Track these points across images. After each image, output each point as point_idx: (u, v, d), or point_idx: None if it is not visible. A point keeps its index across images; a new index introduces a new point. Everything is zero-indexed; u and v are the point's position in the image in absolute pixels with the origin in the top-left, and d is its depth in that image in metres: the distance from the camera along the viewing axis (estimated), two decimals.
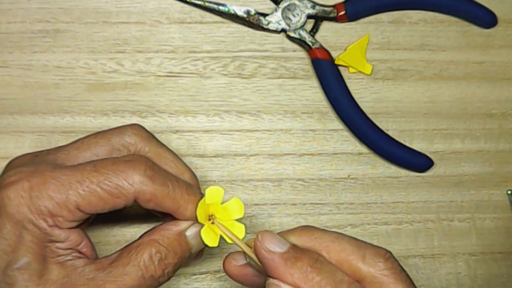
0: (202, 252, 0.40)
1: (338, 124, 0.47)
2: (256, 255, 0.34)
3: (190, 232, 0.37)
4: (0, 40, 0.45)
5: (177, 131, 0.46)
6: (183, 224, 0.37)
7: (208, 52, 0.47)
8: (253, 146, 0.47)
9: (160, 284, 0.37)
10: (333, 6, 0.47)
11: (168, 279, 0.37)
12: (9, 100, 0.46)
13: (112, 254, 0.37)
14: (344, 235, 0.35)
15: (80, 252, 0.37)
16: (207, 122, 0.46)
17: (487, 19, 0.48)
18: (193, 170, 0.45)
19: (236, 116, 0.47)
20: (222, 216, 0.37)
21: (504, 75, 0.48)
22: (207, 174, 0.46)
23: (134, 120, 0.46)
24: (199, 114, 0.46)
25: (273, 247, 0.34)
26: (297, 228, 0.36)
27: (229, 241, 0.37)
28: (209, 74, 0.47)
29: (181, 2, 0.47)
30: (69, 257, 0.36)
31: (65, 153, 0.39)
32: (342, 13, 0.47)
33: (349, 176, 0.47)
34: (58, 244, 0.36)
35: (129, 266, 0.36)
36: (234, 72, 0.47)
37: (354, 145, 0.47)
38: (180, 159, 0.40)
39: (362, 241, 0.35)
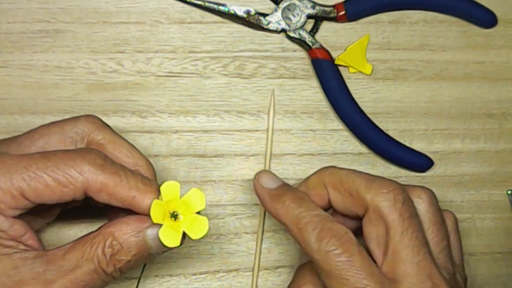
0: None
1: (338, 124, 0.47)
2: (254, 190, 0.40)
3: (151, 232, 0.35)
4: (0, 40, 0.45)
5: (177, 131, 0.46)
6: (145, 222, 0.35)
7: (208, 52, 0.47)
8: (253, 146, 0.47)
9: (115, 279, 0.35)
10: (333, 6, 0.47)
11: (122, 274, 0.35)
12: (9, 100, 0.46)
13: (66, 245, 0.35)
14: (359, 172, 0.38)
15: (25, 245, 0.35)
16: (207, 122, 0.46)
17: (487, 19, 0.48)
18: (193, 170, 0.46)
19: (236, 116, 0.47)
20: (183, 211, 0.35)
21: (504, 75, 0.48)
22: (207, 174, 0.46)
23: (134, 120, 0.46)
24: (199, 114, 0.46)
25: (266, 184, 0.39)
26: (320, 169, 0.39)
27: (193, 237, 0.35)
28: (209, 74, 0.47)
29: (181, 2, 0.47)
30: (15, 250, 0.35)
31: (17, 144, 0.37)
32: (342, 13, 0.47)
33: None
34: (0, 234, 0.34)
35: (82, 260, 0.34)
36: (234, 72, 0.47)
37: (354, 145, 0.47)
38: (136, 148, 0.39)
39: (375, 176, 0.38)
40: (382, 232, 0.36)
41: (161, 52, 0.46)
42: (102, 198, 0.35)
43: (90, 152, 0.35)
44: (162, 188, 0.35)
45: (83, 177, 0.34)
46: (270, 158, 0.47)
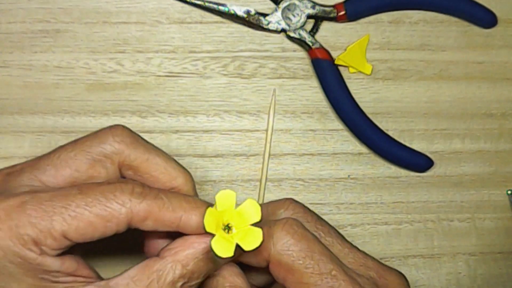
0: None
1: (338, 124, 0.47)
2: None
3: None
4: (0, 40, 0.45)
5: (177, 131, 0.46)
6: (207, 239, 0.33)
7: (208, 52, 0.47)
8: (253, 146, 0.47)
9: None
10: (333, 6, 0.47)
11: None
12: (9, 100, 0.46)
13: (125, 273, 0.33)
14: None
15: (83, 277, 0.34)
16: (207, 122, 0.46)
17: (487, 19, 0.48)
18: (193, 170, 0.46)
19: (236, 116, 0.47)
20: (238, 223, 0.34)
21: (504, 75, 0.48)
22: (207, 174, 0.46)
23: (134, 120, 0.46)
24: (199, 114, 0.46)
25: None
26: None
27: (246, 249, 0.33)
28: (209, 74, 0.47)
29: (181, 2, 0.47)
30: (76, 284, 0.33)
31: (41, 172, 0.35)
32: (342, 13, 0.47)
33: (349, 176, 0.47)
34: (54, 274, 0.33)
35: None
36: (234, 72, 0.47)
37: (354, 145, 0.47)
38: (172, 161, 0.37)
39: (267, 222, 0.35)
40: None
41: (161, 52, 0.46)
42: (148, 226, 0.33)
43: (126, 182, 0.33)
44: (217, 197, 0.34)
45: (126, 208, 0.32)
46: (269, 158, 0.47)
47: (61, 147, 0.36)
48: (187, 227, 0.34)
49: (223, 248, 0.32)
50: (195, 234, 0.34)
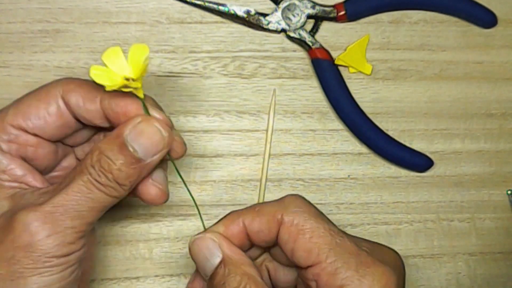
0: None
1: (338, 124, 0.47)
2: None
3: (128, 131, 0.35)
4: (0, 40, 0.45)
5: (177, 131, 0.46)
6: (124, 127, 0.35)
7: (208, 52, 0.47)
8: (253, 146, 0.47)
9: (118, 194, 0.35)
10: (333, 6, 0.47)
11: (124, 188, 0.35)
12: (9, 100, 0.45)
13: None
14: (263, 204, 0.38)
15: (29, 185, 0.36)
16: (207, 122, 0.46)
17: (487, 19, 0.48)
18: (193, 170, 0.46)
19: (236, 116, 0.47)
20: (135, 70, 0.34)
21: (504, 75, 0.48)
22: (207, 174, 0.46)
23: None
24: (199, 114, 0.46)
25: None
26: (224, 218, 0.38)
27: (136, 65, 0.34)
28: (209, 74, 0.47)
29: (181, 2, 0.47)
30: (18, 189, 0.36)
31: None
32: (342, 13, 0.47)
33: (349, 176, 0.47)
34: (1, 176, 0.35)
35: (74, 175, 0.34)
36: (234, 72, 0.47)
37: (354, 145, 0.47)
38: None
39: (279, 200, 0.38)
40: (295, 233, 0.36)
41: (161, 52, 0.46)
42: (76, 101, 0.36)
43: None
44: (103, 58, 0.35)
45: (58, 86, 0.37)
46: (269, 158, 0.47)
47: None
48: (109, 109, 0.36)
49: (102, 78, 0.34)
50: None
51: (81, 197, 0.34)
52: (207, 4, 0.46)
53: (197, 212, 0.39)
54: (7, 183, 0.36)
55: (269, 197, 0.46)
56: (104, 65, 0.35)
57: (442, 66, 0.48)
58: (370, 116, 0.47)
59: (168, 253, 0.45)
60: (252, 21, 0.47)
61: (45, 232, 0.33)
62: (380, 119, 0.47)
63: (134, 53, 0.34)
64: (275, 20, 0.47)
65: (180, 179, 0.39)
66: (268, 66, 0.47)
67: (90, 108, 0.36)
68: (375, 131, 0.46)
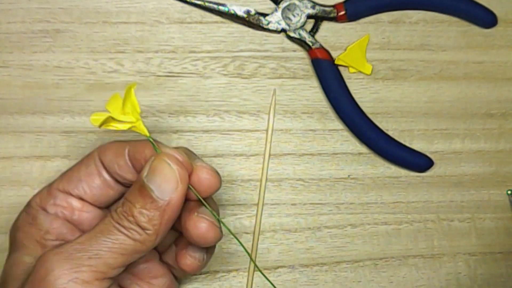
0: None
1: (338, 124, 0.47)
2: None
3: (145, 173, 0.35)
4: (0, 40, 0.45)
5: (177, 131, 0.46)
6: (143, 169, 0.35)
7: (208, 52, 0.47)
8: (253, 146, 0.47)
9: (144, 241, 0.34)
10: (333, 6, 0.47)
11: (149, 233, 0.34)
12: (9, 100, 0.46)
13: None
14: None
15: None
16: (207, 122, 0.46)
17: (487, 19, 0.48)
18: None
19: (236, 116, 0.47)
20: (129, 109, 0.35)
21: (504, 75, 0.48)
22: None
23: None
24: (199, 114, 0.46)
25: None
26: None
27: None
28: (209, 74, 0.47)
29: (181, 2, 0.47)
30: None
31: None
32: (342, 13, 0.47)
33: (349, 176, 0.47)
34: (46, 236, 0.37)
35: (99, 223, 0.35)
36: (234, 72, 0.47)
37: (354, 145, 0.47)
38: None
39: None
40: None
41: (161, 52, 0.46)
42: (108, 158, 0.37)
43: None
44: (107, 106, 0.35)
45: (96, 149, 0.38)
46: (269, 158, 0.47)
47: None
48: (137, 153, 0.37)
49: (97, 118, 0.34)
50: None
51: (101, 238, 0.34)
52: (207, 4, 0.46)
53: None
54: (50, 242, 0.37)
55: (269, 197, 0.46)
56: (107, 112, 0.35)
57: (442, 66, 0.48)
58: (370, 116, 0.47)
59: None
60: (252, 21, 0.47)
61: (60, 268, 0.33)
62: (380, 119, 0.47)
63: (126, 92, 0.35)
64: (275, 20, 0.47)
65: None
66: (268, 66, 0.47)
67: (121, 162, 0.37)
68: (375, 131, 0.46)
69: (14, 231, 0.38)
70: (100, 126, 0.34)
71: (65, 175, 0.38)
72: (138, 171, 0.37)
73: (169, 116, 0.46)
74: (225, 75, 0.47)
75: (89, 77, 0.46)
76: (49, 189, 0.38)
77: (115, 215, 0.34)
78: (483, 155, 0.48)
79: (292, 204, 0.46)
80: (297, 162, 0.47)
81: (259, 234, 0.46)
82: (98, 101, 0.46)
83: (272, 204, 0.46)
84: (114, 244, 0.34)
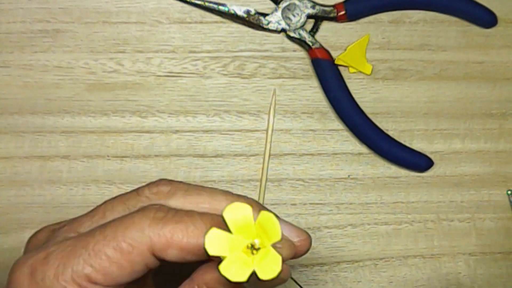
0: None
1: (338, 124, 0.47)
2: None
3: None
4: (0, 40, 0.45)
5: (177, 131, 0.46)
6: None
7: (208, 52, 0.47)
8: (253, 146, 0.47)
9: None
10: (333, 6, 0.47)
11: None
12: (9, 100, 0.46)
13: None
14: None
15: None
16: (207, 122, 0.46)
17: (487, 19, 0.48)
18: (193, 170, 0.46)
19: (236, 116, 0.47)
20: (262, 241, 0.28)
21: (504, 75, 0.48)
22: (207, 174, 0.46)
23: (134, 120, 0.46)
24: (199, 114, 0.46)
25: None
26: None
27: (262, 277, 0.27)
28: (209, 74, 0.47)
29: (181, 2, 0.47)
30: None
31: (79, 224, 0.31)
32: (342, 13, 0.47)
33: (349, 176, 0.47)
34: None
35: None
36: (234, 72, 0.47)
37: (354, 145, 0.47)
38: (220, 191, 0.31)
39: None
40: None
41: (161, 52, 0.46)
42: (173, 255, 0.29)
43: (149, 207, 0.29)
44: (225, 213, 0.28)
45: (144, 235, 0.28)
46: (269, 158, 0.47)
47: (102, 203, 0.33)
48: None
49: (234, 272, 0.27)
50: None
51: None
52: (207, 4, 0.46)
53: None
54: None
55: (269, 197, 0.46)
56: (224, 221, 0.28)
57: (442, 66, 0.48)
58: (370, 116, 0.47)
59: None
60: (252, 21, 0.47)
61: None
62: (380, 119, 0.47)
63: (265, 223, 0.28)
64: (275, 20, 0.47)
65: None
66: (268, 66, 0.47)
67: (191, 258, 0.29)
68: (375, 131, 0.46)
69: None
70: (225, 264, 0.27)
71: (95, 260, 0.29)
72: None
73: (169, 116, 0.46)
74: (225, 75, 0.47)
75: (89, 77, 0.46)
76: (75, 277, 0.29)
77: None
78: (483, 155, 0.48)
79: (292, 204, 0.46)
80: (297, 162, 0.47)
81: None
82: (98, 101, 0.46)
83: (272, 204, 0.46)
84: None
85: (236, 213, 0.28)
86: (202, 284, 0.29)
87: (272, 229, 0.28)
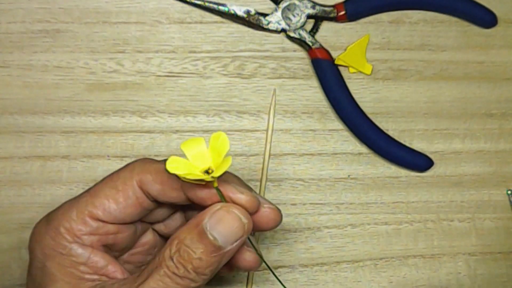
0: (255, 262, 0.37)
1: (338, 124, 0.47)
2: None
3: (206, 219, 0.34)
4: (0, 40, 0.45)
5: (177, 131, 0.46)
6: (204, 215, 0.34)
7: (208, 52, 0.47)
8: (253, 146, 0.47)
9: (197, 282, 0.34)
10: (333, 6, 0.47)
11: (203, 276, 0.34)
12: (9, 100, 0.46)
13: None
14: None
15: (110, 277, 0.36)
16: (207, 122, 0.46)
17: (487, 19, 0.48)
18: None
19: (236, 116, 0.47)
20: (216, 161, 0.34)
21: (504, 75, 0.48)
22: None
23: (134, 120, 0.46)
24: (199, 114, 0.46)
25: None
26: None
27: (216, 174, 0.33)
28: (209, 74, 0.47)
29: (181, 2, 0.47)
30: (98, 281, 0.35)
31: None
32: (342, 13, 0.47)
33: (349, 176, 0.47)
34: (82, 268, 0.35)
35: (152, 269, 0.34)
36: (234, 72, 0.47)
37: (354, 145, 0.47)
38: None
39: None
40: None
41: (161, 52, 0.46)
42: (157, 190, 0.35)
43: (141, 159, 0.37)
44: (182, 146, 0.34)
45: (133, 173, 0.36)
46: (269, 158, 0.47)
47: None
48: (193, 195, 0.35)
49: (175, 165, 0.33)
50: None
51: None
52: (207, 4, 0.46)
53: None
54: (87, 275, 0.35)
55: (269, 197, 0.46)
56: (183, 154, 0.34)
57: (442, 66, 0.48)
58: (370, 116, 0.47)
59: None
60: (252, 21, 0.47)
61: None
62: (380, 119, 0.47)
63: (215, 144, 0.34)
64: (275, 20, 0.47)
65: None
66: (268, 66, 0.47)
67: (172, 195, 0.36)
68: (375, 131, 0.46)
69: (37, 248, 0.36)
70: (179, 177, 0.33)
71: (97, 201, 0.36)
72: (197, 204, 0.35)
73: (169, 116, 0.46)
74: (225, 75, 0.47)
75: (89, 77, 0.46)
76: (80, 215, 0.35)
77: (170, 263, 0.33)
78: (483, 155, 0.48)
79: (292, 204, 0.46)
80: (297, 162, 0.47)
81: (259, 234, 0.46)
82: (98, 101, 0.46)
83: None
84: None
85: (191, 145, 0.34)
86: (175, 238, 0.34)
87: (222, 144, 0.34)
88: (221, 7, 0.46)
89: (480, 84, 0.48)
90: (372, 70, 0.47)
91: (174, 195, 0.36)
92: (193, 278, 0.33)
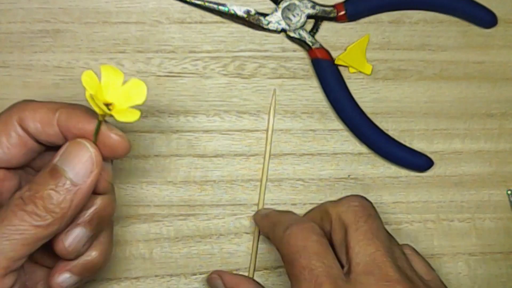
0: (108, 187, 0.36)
1: (338, 124, 0.47)
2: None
3: (58, 156, 0.34)
4: (0, 40, 0.45)
5: (177, 131, 0.46)
6: (57, 153, 0.34)
7: (208, 52, 0.47)
8: (253, 146, 0.47)
9: (51, 223, 0.33)
10: (333, 6, 0.47)
11: (56, 215, 0.33)
12: (9, 100, 0.45)
13: None
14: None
15: None
16: (207, 122, 0.46)
17: (487, 19, 0.48)
18: (193, 170, 0.46)
19: (236, 116, 0.47)
20: (121, 102, 0.33)
21: (504, 75, 0.48)
22: (207, 174, 0.46)
23: None
24: (199, 114, 0.46)
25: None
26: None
27: (118, 119, 0.32)
28: (209, 74, 0.47)
29: (181, 2, 0.47)
30: None
31: None
32: (342, 13, 0.47)
33: (349, 176, 0.47)
34: None
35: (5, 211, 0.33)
36: (234, 72, 0.47)
37: (354, 145, 0.47)
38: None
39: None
40: (342, 235, 0.37)
41: (161, 52, 0.46)
42: (36, 127, 0.35)
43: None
44: (102, 68, 0.33)
45: (13, 112, 0.35)
46: (269, 158, 0.47)
47: None
48: (64, 128, 0.35)
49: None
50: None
51: (1, 229, 0.32)
52: (207, 4, 0.46)
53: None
54: None
55: (269, 197, 0.46)
56: (100, 74, 0.33)
57: (442, 66, 0.48)
58: (370, 116, 0.47)
59: (168, 253, 0.45)
60: (252, 21, 0.47)
61: None
62: (380, 119, 0.47)
63: (131, 88, 0.34)
64: (275, 20, 0.47)
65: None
66: (268, 66, 0.47)
67: (50, 132, 0.35)
68: (375, 131, 0.46)
69: None
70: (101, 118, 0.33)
71: None
72: (64, 134, 0.35)
73: (169, 116, 0.46)
74: (225, 75, 0.47)
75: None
76: None
77: (18, 201, 0.32)
78: (483, 155, 0.48)
79: (292, 204, 0.46)
80: (297, 162, 0.47)
81: (259, 234, 0.46)
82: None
83: (272, 204, 0.46)
84: (15, 235, 0.32)
85: (111, 72, 0.33)
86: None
87: (137, 93, 0.33)
88: (221, 7, 0.46)
89: (480, 84, 0.48)
90: (372, 70, 0.47)
91: (51, 132, 0.35)
92: (43, 217, 0.32)
